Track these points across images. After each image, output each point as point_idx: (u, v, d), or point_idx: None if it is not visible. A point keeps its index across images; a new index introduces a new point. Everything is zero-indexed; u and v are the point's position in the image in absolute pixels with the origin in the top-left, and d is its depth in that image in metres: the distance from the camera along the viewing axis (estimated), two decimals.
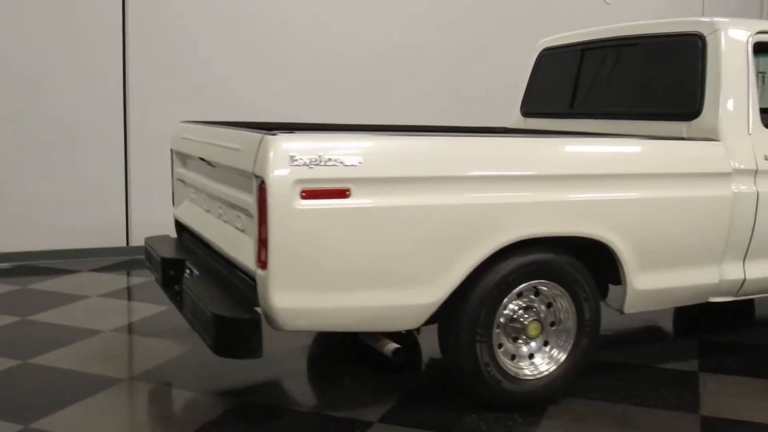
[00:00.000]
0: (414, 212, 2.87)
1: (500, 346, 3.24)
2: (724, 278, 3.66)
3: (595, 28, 4.49)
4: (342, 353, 3.98)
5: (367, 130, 3.81)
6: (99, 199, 6.06)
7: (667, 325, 4.68)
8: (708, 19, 3.76)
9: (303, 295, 2.78)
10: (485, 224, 2.99)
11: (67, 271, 5.70)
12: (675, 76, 3.89)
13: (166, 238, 4.10)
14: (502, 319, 3.23)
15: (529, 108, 4.96)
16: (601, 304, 3.45)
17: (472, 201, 2.96)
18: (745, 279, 3.70)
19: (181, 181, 4.09)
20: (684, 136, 3.73)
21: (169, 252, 3.72)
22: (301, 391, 3.53)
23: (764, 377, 3.74)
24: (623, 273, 3.36)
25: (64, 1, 5.82)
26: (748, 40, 3.73)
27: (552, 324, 3.34)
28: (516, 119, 5.06)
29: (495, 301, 3.12)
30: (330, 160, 2.74)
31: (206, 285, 3.17)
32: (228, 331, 2.74)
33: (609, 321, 4.59)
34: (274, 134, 2.74)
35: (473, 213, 2.97)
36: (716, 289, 3.67)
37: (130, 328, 4.35)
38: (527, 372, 3.27)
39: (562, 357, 3.32)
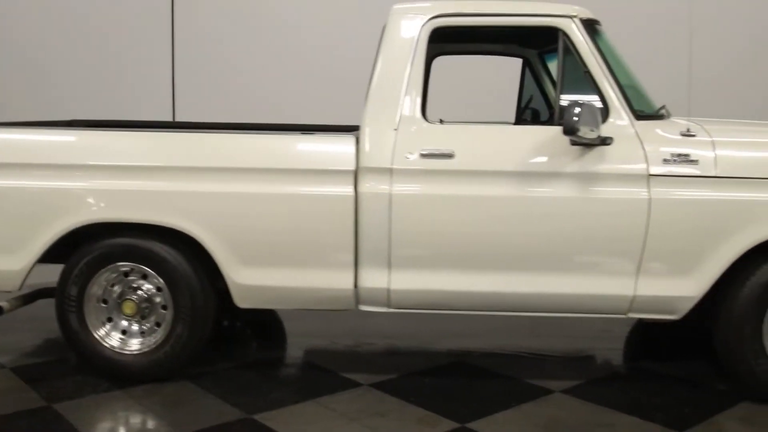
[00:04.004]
0: None
1: (110, 319, 3.56)
2: (363, 285, 3.38)
3: None
4: None
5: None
6: None
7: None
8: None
9: None
10: (51, 207, 3.38)
11: None
12: None
13: None
14: (115, 294, 3.54)
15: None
16: None
17: (39, 186, 3.38)
18: (389, 289, 3.35)
19: None
20: None
21: None
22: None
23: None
24: (218, 265, 3.39)
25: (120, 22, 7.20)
26: (421, 25, 3.36)
27: (164, 308, 3.52)
28: None
29: (84, 277, 3.47)
30: None
31: None
32: None
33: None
34: None
35: (41, 197, 3.39)
36: (357, 296, 3.40)
37: None
38: (123, 346, 3.52)
39: (159, 340, 3.49)
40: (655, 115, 3.45)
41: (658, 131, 3.30)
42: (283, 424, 3.09)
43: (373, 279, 3.36)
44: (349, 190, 3.29)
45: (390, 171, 3.28)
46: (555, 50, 3.41)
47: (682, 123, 3.35)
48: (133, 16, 7.17)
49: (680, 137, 3.26)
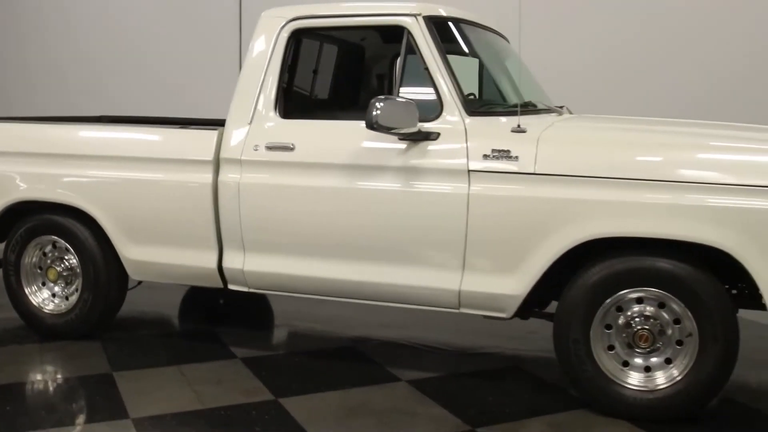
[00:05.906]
0: None
1: (44, 283, 4.18)
2: (225, 266, 3.70)
3: None
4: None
5: None
6: None
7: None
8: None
9: None
10: None
11: None
12: None
13: None
14: (48, 262, 4.16)
15: None
16: None
17: None
18: (243, 270, 3.64)
19: None
20: None
21: None
22: None
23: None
24: (111, 240, 3.88)
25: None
26: (280, 27, 3.61)
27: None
28: None
29: (19, 246, 4.11)
30: None
31: None
32: None
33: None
34: None
35: None
36: (223, 276, 3.72)
37: None
38: (46, 307, 4.12)
39: (71, 304, 4.05)
40: (500, 111, 3.41)
41: (489, 127, 3.28)
42: (126, 381, 3.51)
43: (233, 260, 3.68)
44: (207, 178, 3.63)
45: (240, 162, 3.58)
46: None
47: (522, 120, 3.27)
48: (203, 22, 7.94)
49: (508, 133, 3.22)
